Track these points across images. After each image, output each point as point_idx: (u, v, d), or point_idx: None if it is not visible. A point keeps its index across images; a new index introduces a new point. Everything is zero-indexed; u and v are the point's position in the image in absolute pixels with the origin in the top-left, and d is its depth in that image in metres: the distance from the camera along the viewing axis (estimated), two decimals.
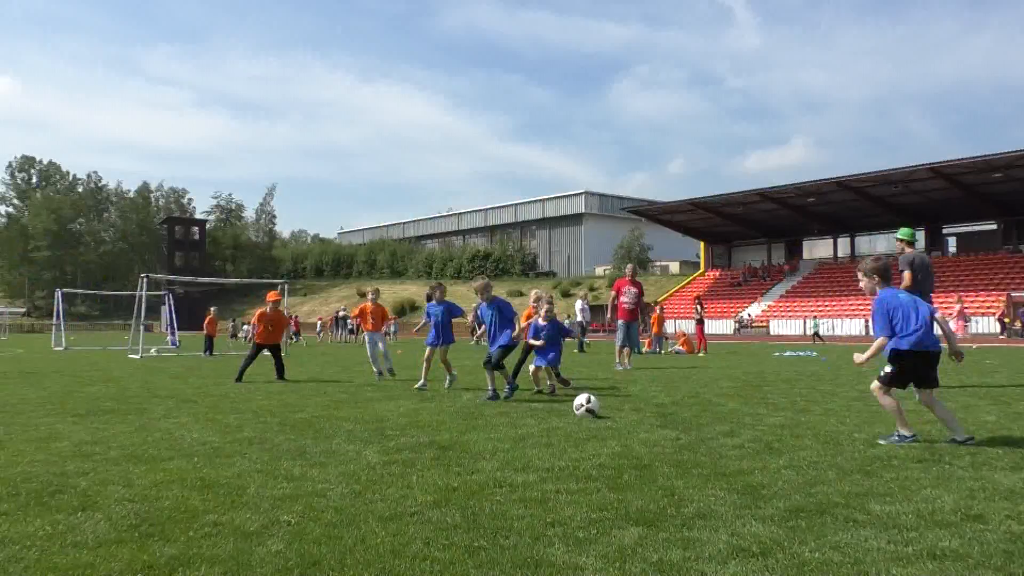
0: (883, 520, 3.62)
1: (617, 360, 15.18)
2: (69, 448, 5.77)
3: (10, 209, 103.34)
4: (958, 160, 40.60)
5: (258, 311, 12.93)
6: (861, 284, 6.08)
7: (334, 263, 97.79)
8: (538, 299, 9.97)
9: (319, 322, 46.11)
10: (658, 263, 74.04)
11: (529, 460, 5.16)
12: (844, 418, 7.32)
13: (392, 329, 42.68)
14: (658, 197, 77.08)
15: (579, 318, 24.22)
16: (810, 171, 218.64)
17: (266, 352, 12.94)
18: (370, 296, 13.30)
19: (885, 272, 5.97)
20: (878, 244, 56.39)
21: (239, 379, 11.89)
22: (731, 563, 3.00)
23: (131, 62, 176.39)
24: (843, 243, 55.75)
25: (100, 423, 7.22)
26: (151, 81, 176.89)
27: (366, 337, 12.91)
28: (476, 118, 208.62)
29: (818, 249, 58.05)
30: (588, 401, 7.19)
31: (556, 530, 3.48)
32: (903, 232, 10.54)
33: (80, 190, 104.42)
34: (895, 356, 5.80)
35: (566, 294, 64.29)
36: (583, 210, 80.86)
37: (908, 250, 10.65)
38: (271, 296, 12.86)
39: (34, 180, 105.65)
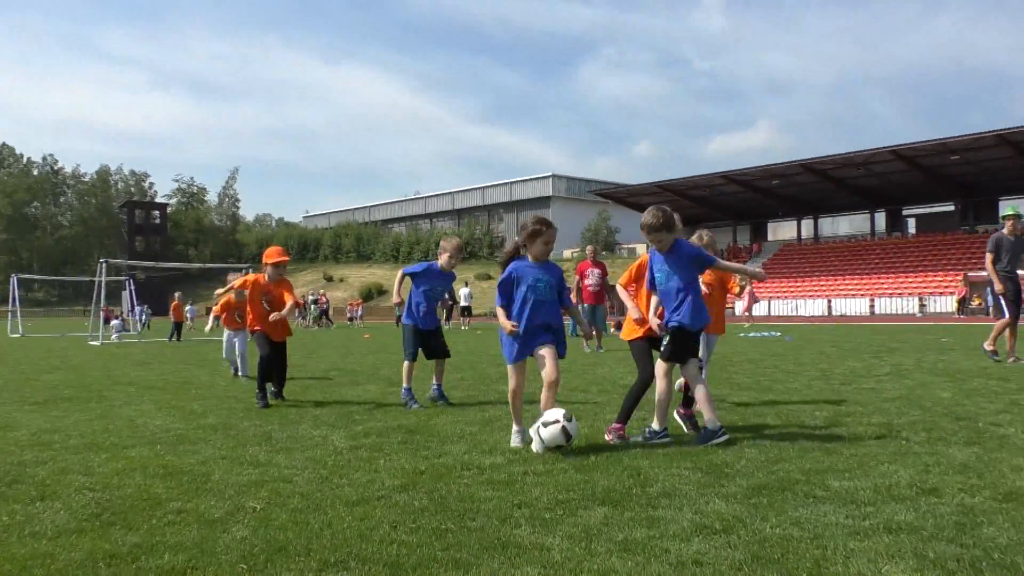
0: (842, 496, 3.71)
1: (584, 342, 15.27)
2: (27, 437, 5.66)
3: None
4: (917, 143, 41.37)
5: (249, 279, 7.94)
6: (660, 244, 5.18)
7: (300, 247, 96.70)
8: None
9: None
10: (625, 245, 74.44)
11: (496, 442, 5.18)
12: (806, 396, 7.46)
13: (358, 313, 42.43)
14: (625, 180, 77.51)
15: None
16: (775, 154, 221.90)
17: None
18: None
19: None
20: (840, 225, 57.39)
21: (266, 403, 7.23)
22: (695, 540, 3.05)
23: (86, 40, 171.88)
24: (807, 225, 56.58)
25: (59, 411, 7.09)
26: (107, 60, 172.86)
27: (224, 336, 10.71)
28: (443, 100, 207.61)
29: (782, 231, 58.86)
30: (568, 419, 4.72)
31: (523, 511, 3.51)
32: (1010, 208, 10.93)
33: (35, 173, 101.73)
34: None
35: None
36: (550, 193, 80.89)
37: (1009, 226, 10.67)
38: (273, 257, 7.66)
39: None
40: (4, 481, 4.21)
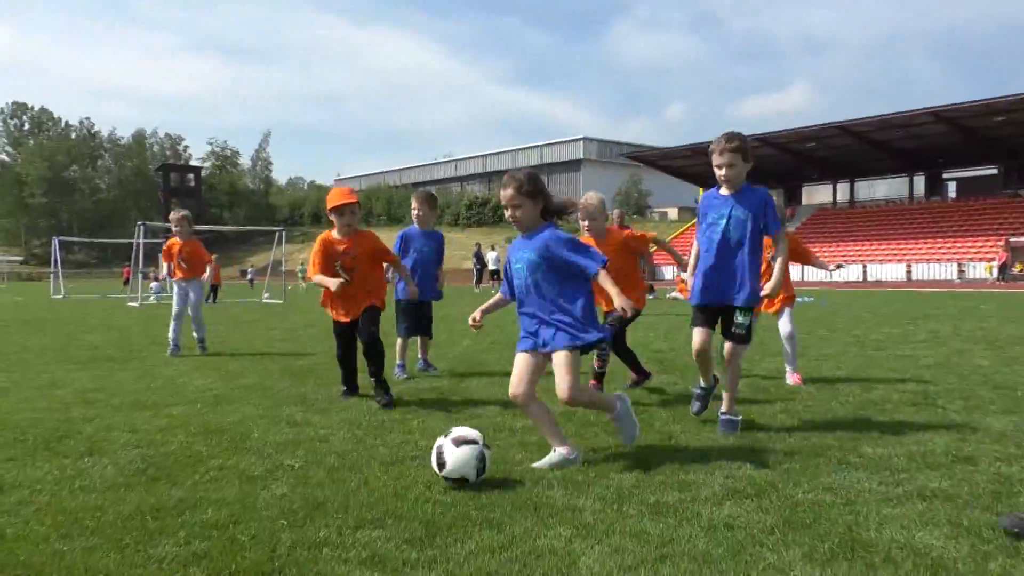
0: (875, 462, 3.69)
1: None
2: (73, 395, 5.84)
3: (3, 156, 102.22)
4: (960, 104, 40.07)
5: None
6: (730, 171, 4.23)
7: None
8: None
9: None
10: (657, 209, 73.74)
11: None
12: (840, 363, 7.39)
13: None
14: (657, 142, 76.54)
15: None
16: (810, 116, 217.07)
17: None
18: (175, 226, 8.92)
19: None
20: (877, 189, 56.16)
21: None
22: (726, 504, 3.07)
23: (119, 4, 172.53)
24: (842, 188, 55.43)
25: (102, 370, 7.29)
26: (140, 23, 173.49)
27: (176, 288, 8.94)
28: (474, 63, 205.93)
29: (817, 195, 57.74)
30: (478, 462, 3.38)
31: (555, 474, 3.55)
32: None
33: (73, 136, 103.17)
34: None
35: None
36: (581, 156, 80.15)
37: None
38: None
39: (26, 127, 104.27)
40: (54, 437, 4.36)
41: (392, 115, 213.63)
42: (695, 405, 4.69)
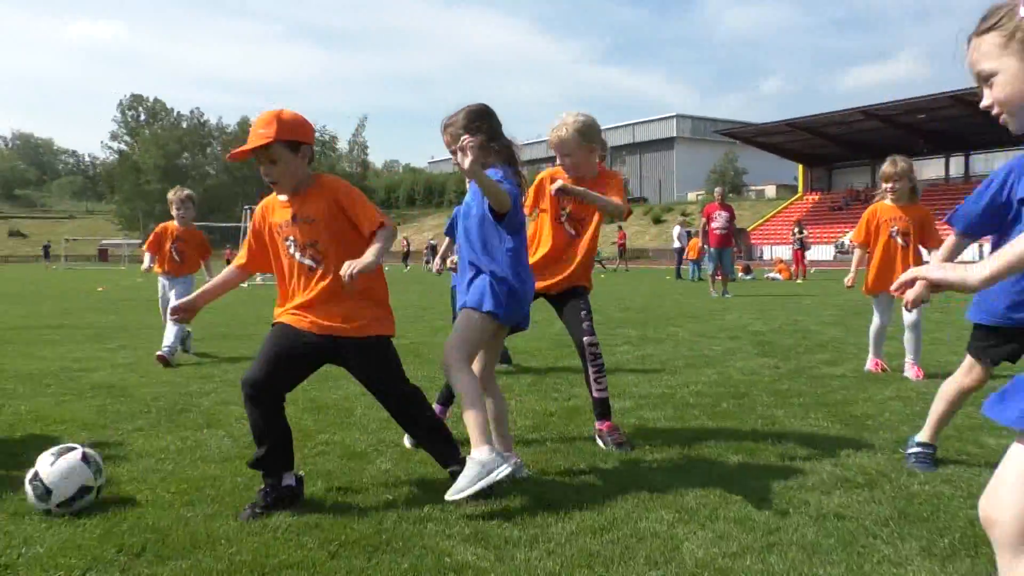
0: (998, 454, 3.46)
1: (711, 287, 14.94)
2: (190, 371, 6.19)
3: (122, 146, 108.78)
4: None
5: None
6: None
7: (425, 192, 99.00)
8: None
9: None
10: (753, 187, 71.48)
11: (625, 387, 5.19)
12: (956, 347, 7.00)
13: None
14: (753, 118, 73.98)
15: (676, 244, 23.96)
16: (917, 87, 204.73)
17: None
18: (176, 209, 7.02)
19: None
20: (996, 162, 52.59)
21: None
22: (836, 493, 2.96)
23: None
24: (956, 162, 52.19)
25: (215, 348, 7.69)
26: (240, 15, 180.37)
27: (160, 283, 7.27)
28: (563, 42, 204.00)
29: (928, 169, 54.54)
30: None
31: (654, 456, 3.52)
32: None
33: (184, 126, 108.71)
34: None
35: (657, 220, 63.15)
36: (674, 134, 78.51)
37: None
38: None
39: (142, 117, 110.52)
40: (175, 410, 4.64)
41: (482, 96, 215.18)
42: (923, 464, 3.30)
